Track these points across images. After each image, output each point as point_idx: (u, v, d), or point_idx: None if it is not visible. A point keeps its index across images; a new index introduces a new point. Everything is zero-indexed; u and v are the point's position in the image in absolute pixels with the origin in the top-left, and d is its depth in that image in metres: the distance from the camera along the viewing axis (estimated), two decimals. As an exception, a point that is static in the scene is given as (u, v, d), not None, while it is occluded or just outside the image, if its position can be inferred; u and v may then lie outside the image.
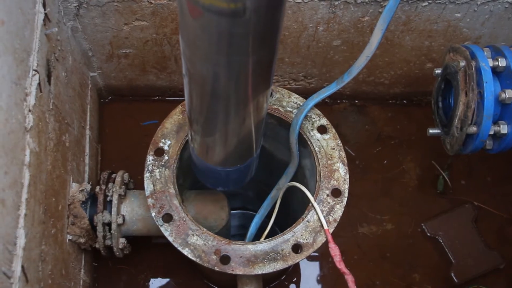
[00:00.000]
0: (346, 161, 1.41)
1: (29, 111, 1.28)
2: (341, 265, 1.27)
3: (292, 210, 1.64)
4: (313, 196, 1.36)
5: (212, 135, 1.17)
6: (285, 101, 1.47)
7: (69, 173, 1.59)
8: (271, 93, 1.46)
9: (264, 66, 0.94)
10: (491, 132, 1.48)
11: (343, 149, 1.42)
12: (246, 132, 1.15)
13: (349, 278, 1.25)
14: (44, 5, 1.43)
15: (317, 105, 1.44)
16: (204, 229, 1.33)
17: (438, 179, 2.08)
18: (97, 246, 1.62)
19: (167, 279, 1.91)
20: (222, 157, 1.25)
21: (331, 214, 1.34)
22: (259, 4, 0.76)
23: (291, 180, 1.49)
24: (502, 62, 1.45)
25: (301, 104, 1.44)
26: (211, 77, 0.93)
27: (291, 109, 1.45)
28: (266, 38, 0.86)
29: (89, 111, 1.90)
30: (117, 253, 1.63)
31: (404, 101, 2.22)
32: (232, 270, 1.28)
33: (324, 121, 1.44)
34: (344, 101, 2.21)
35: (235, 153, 1.24)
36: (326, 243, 1.31)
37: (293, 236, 1.32)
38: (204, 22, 0.80)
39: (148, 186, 1.37)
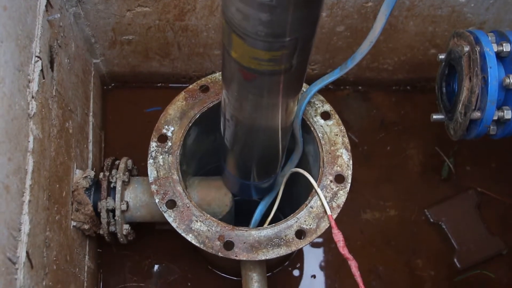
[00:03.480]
0: (349, 147, 1.40)
1: (32, 97, 1.28)
2: (344, 251, 1.27)
3: (296, 196, 1.65)
4: (316, 182, 1.36)
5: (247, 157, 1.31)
6: (288, 87, 1.47)
7: (73, 159, 1.59)
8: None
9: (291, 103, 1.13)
10: (495, 118, 1.47)
11: (346, 135, 1.42)
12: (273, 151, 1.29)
13: (353, 264, 1.26)
14: (46, -9, 1.43)
15: (321, 92, 1.44)
16: (208, 215, 1.33)
17: (442, 165, 2.08)
18: (101, 232, 1.62)
19: (171, 265, 1.91)
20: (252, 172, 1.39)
21: (335, 200, 1.35)
22: (301, 60, 0.92)
23: (295, 167, 1.49)
24: (506, 47, 1.44)
25: (304, 90, 1.44)
26: (256, 118, 1.11)
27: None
28: (301, 78, 1.04)
29: (92, 97, 1.90)
30: (121, 239, 1.64)
31: (408, 87, 2.22)
32: (236, 256, 1.29)
33: (327, 107, 1.44)
34: (347, 87, 2.20)
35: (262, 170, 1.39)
36: (329, 229, 1.32)
37: (296, 222, 1.32)
38: (257, 82, 0.97)
39: (151, 172, 1.37)
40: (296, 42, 0.85)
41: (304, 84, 1.46)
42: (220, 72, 1.43)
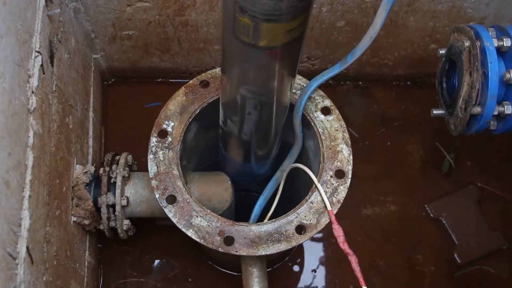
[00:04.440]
0: (349, 142, 1.40)
1: (32, 92, 1.28)
2: (344, 246, 1.27)
3: (296, 191, 1.65)
4: (316, 177, 1.36)
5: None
6: (288, 82, 1.47)
7: (73, 155, 1.59)
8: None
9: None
10: (495, 113, 1.47)
11: (346, 131, 1.42)
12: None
13: (353, 259, 1.26)
14: (46, -14, 1.42)
15: (321, 87, 1.43)
16: (208, 211, 1.33)
17: (442, 161, 2.08)
18: (101, 227, 1.63)
19: (172, 260, 1.91)
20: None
21: (335, 195, 1.35)
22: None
23: (295, 162, 1.49)
24: (507, 42, 1.44)
25: (304, 85, 1.44)
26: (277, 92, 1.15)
27: (294, 90, 1.45)
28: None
29: (92, 93, 1.90)
30: (121, 235, 1.64)
31: (408, 83, 2.21)
32: (236, 251, 1.29)
33: (327, 102, 1.44)
34: (347, 82, 2.20)
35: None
36: (329, 224, 1.32)
37: (296, 217, 1.33)
38: (284, 54, 1.02)
39: (151, 167, 1.37)
40: None
41: (304, 80, 1.46)
42: (220, 68, 1.44)
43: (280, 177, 1.52)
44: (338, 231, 1.29)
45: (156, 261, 1.92)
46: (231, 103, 1.22)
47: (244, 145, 1.38)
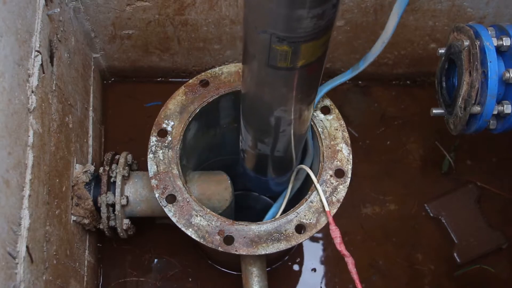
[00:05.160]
0: (349, 141, 1.40)
1: (32, 92, 1.28)
2: (341, 247, 1.27)
3: (296, 190, 1.65)
4: (316, 176, 1.36)
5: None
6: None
7: (73, 154, 1.59)
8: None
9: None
10: (495, 112, 1.47)
11: (346, 130, 1.42)
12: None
13: (349, 261, 1.26)
14: (45, -14, 1.42)
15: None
16: (208, 210, 1.33)
17: (442, 160, 2.08)
18: (101, 227, 1.63)
19: (171, 260, 1.92)
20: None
21: (334, 195, 1.35)
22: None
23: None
24: (506, 41, 1.44)
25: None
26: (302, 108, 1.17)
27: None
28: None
29: (92, 92, 1.90)
30: (121, 234, 1.64)
31: (408, 82, 2.21)
32: (236, 251, 1.29)
33: (327, 102, 1.44)
34: (347, 82, 2.18)
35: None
36: (328, 224, 1.32)
37: (296, 216, 1.33)
38: (316, 69, 1.04)
39: (151, 167, 1.37)
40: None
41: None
42: (220, 67, 1.45)
43: (293, 186, 1.52)
44: (335, 233, 1.29)
45: (156, 261, 1.92)
46: (264, 126, 1.22)
47: (276, 161, 1.38)
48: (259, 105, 1.15)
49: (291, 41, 0.89)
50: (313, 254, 1.96)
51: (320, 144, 1.40)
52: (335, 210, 1.33)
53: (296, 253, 1.96)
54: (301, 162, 1.49)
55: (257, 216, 1.53)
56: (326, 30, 0.90)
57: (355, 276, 1.24)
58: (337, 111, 1.43)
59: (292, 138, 1.26)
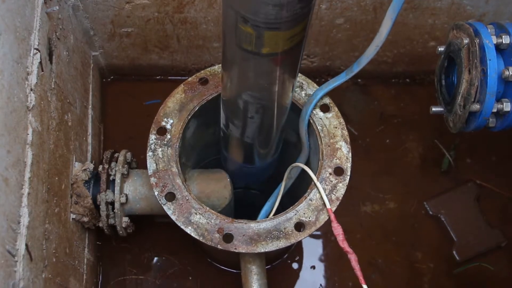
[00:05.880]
0: (348, 139, 1.40)
1: (31, 90, 1.28)
2: (344, 244, 1.27)
3: (295, 188, 1.65)
4: (315, 175, 1.36)
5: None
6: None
7: (72, 152, 1.59)
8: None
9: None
10: (494, 110, 1.47)
11: (345, 128, 1.41)
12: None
13: (352, 257, 1.26)
14: (44, -16, 1.42)
15: (320, 84, 1.44)
16: (207, 208, 1.33)
17: (441, 158, 2.08)
18: (100, 225, 1.63)
19: (171, 258, 1.92)
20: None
21: (334, 193, 1.35)
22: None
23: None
24: (506, 39, 1.44)
25: (310, 94, 1.43)
26: (278, 95, 1.17)
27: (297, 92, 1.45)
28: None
29: (91, 90, 1.89)
30: (121, 232, 1.64)
31: (407, 80, 2.21)
32: (235, 248, 1.29)
33: (326, 100, 1.44)
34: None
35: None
36: (328, 221, 1.32)
37: (295, 214, 1.33)
38: (287, 61, 1.05)
39: (150, 165, 1.37)
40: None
41: (303, 77, 1.46)
42: (220, 65, 1.44)
43: (287, 184, 1.52)
44: (338, 230, 1.29)
45: (155, 259, 1.92)
46: (233, 108, 1.23)
47: (246, 147, 1.38)
48: (230, 85, 1.17)
49: (254, 24, 0.91)
50: (312, 252, 1.96)
51: (319, 142, 1.40)
52: (334, 208, 1.33)
53: (296, 251, 1.96)
54: (295, 160, 1.49)
55: (257, 214, 1.53)
56: (291, 24, 0.92)
57: (358, 272, 1.23)
58: (336, 109, 1.43)
59: (262, 127, 1.27)
